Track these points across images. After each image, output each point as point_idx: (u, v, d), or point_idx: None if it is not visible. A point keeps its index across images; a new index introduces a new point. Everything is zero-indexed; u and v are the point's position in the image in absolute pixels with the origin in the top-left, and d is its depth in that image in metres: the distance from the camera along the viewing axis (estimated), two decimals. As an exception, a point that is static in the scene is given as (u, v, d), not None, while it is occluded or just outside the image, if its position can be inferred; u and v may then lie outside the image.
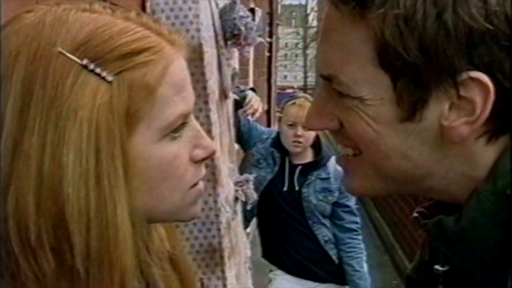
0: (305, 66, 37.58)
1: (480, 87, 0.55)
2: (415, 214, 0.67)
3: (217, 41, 1.93)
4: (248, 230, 4.15)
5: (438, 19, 0.54)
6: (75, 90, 0.53)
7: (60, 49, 0.54)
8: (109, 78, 0.55)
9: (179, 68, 0.61)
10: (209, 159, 0.67)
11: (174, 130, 0.61)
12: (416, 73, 0.56)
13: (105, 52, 0.55)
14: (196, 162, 0.64)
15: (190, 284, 0.74)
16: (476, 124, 0.57)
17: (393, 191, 0.67)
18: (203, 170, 0.66)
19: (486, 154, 0.59)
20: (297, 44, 41.95)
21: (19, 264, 0.52)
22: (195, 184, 0.65)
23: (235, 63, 2.28)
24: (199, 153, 0.64)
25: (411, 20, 0.54)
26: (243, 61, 5.17)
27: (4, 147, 0.52)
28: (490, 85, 0.55)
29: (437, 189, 0.63)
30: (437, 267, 0.67)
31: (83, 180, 0.53)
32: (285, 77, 42.18)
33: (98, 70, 0.54)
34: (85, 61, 0.54)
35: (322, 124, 0.64)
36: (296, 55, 43.08)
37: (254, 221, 2.91)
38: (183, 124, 0.62)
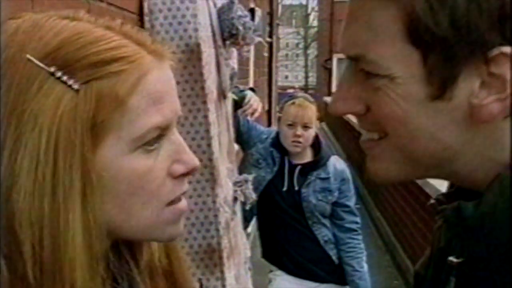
0: (306, 66, 37.59)
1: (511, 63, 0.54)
2: (432, 201, 0.66)
3: (215, 41, 1.93)
4: (249, 230, 4.15)
5: None
6: (39, 96, 0.53)
7: (28, 56, 0.53)
8: (76, 86, 0.54)
9: (158, 79, 0.59)
10: (189, 175, 0.63)
11: (148, 142, 0.58)
12: (447, 48, 0.55)
13: (75, 60, 0.54)
14: (176, 177, 0.61)
15: None
16: (506, 101, 0.56)
17: (418, 176, 0.65)
18: (185, 186, 0.63)
19: None
20: (298, 44, 41.94)
21: None
22: (173, 202, 0.62)
23: (234, 63, 2.27)
24: (179, 168, 0.61)
25: None
26: (243, 61, 5.17)
27: None
28: None
29: (462, 174, 0.62)
30: (451, 258, 0.65)
31: (37, 188, 0.52)
32: (286, 77, 42.20)
33: (64, 78, 0.54)
34: (52, 69, 0.53)
35: (348, 108, 0.64)
36: (297, 55, 43.08)
37: (255, 221, 2.91)
38: (160, 137, 0.60)
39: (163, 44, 0.62)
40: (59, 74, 0.53)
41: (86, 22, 0.58)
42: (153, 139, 0.59)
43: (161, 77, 0.60)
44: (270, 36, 9.52)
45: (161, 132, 0.60)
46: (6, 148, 0.51)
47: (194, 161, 0.63)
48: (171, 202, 0.62)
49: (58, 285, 0.53)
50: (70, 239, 0.53)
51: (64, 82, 0.54)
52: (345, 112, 0.64)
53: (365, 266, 2.66)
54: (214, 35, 1.92)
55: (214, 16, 1.93)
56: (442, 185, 3.91)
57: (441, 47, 0.56)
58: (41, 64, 0.53)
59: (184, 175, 0.62)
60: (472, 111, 0.57)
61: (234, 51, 2.21)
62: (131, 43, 0.58)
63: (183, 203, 0.63)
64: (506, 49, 0.54)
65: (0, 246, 0.52)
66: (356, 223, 2.68)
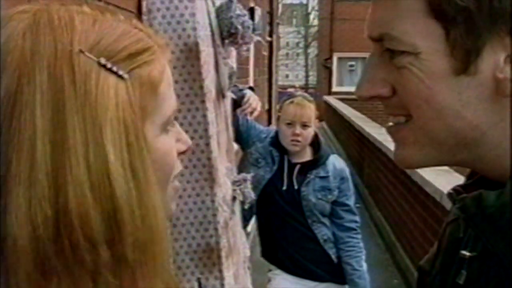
0: (306, 65, 37.57)
1: None
2: (450, 191, 0.66)
3: (214, 40, 1.93)
4: (249, 230, 4.15)
5: None
6: (100, 88, 0.55)
7: (80, 47, 0.55)
8: (125, 76, 0.57)
9: (168, 68, 0.65)
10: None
11: (170, 124, 0.64)
12: (469, 20, 0.55)
13: (117, 51, 0.57)
14: (177, 155, 0.67)
15: None
16: None
17: (445, 161, 0.64)
18: (180, 166, 0.68)
19: None
20: (298, 43, 41.92)
21: (77, 260, 0.53)
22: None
23: (233, 62, 2.27)
24: (181, 147, 0.67)
25: None
26: (243, 60, 5.17)
27: (41, 145, 0.52)
28: None
29: (488, 159, 0.61)
30: (464, 252, 0.65)
31: (123, 172, 0.55)
32: (287, 76, 42.17)
33: (114, 69, 0.56)
34: (102, 60, 0.55)
35: (375, 90, 0.64)
36: (298, 54, 43.06)
37: (255, 221, 2.91)
38: (173, 119, 0.65)
39: (160, 37, 0.66)
40: (109, 65, 0.56)
41: (99, 15, 0.60)
42: (171, 122, 0.65)
43: (168, 65, 0.65)
44: (270, 35, 9.52)
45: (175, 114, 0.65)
46: (90, 137, 0.54)
47: (189, 139, 0.69)
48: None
49: (150, 261, 0.57)
50: (158, 214, 0.58)
51: (115, 73, 0.56)
52: (371, 95, 0.64)
53: (364, 265, 2.66)
54: (212, 34, 1.92)
55: (213, 15, 1.92)
56: (442, 184, 3.90)
57: (463, 19, 0.55)
58: (92, 56, 0.55)
59: (182, 153, 0.67)
60: (498, 86, 0.57)
61: (233, 50, 2.21)
62: (144, 35, 0.62)
63: (177, 182, 0.69)
64: None
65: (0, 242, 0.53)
66: (356, 222, 2.68)
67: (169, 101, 0.63)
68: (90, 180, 0.53)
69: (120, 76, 0.56)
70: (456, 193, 0.65)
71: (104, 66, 0.55)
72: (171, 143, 0.65)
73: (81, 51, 0.55)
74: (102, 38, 0.57)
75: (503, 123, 0.59)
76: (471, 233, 0.65)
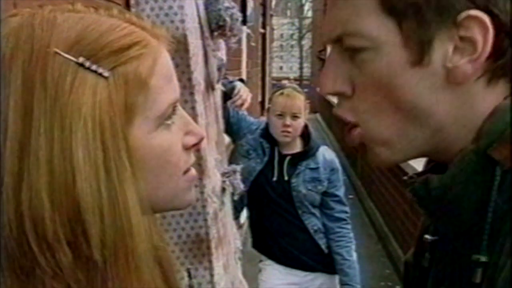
0: (301, 57, 37.51)
1: (479, 25, 0.57)
2: (405, 178, 0.68)
3: (202, 32, 1.93)
4: (242, 221, 4.17)
5: None
6: (75, 88, 0.55)
7: (55, 49, 0.55)
8: (106, 74, 0.57)
9: (166, 59, 0.64)
10: (195, 150, 0.69)
11: (167, 118, 0.63)
12: (418, 14, 0.58)
13: (98, 49, 0.57)
14: (187, 148, 0.67)
15: (172, 279, 0.75)
16: (478, 62, 0.59)
17: (413, 154, 0.66)
18: (193, 157, 0.68)
19: (486, 102, 0.60)
20: (292, 35, 41.83)
21: (37, 261, 0.53)
22: (187, 170, 0.67)
23: (222, 54, 2.27)
24: (190, 140, 0.67)
25: None
26: (236, 52, 5.16)
27: (10, 148, 0.53)
28: (488, 21, 0.57)
29: (443, 146, 0.63)
30: (426, 236, 0.68)
31: (93, 173, 0.55)
32: (281, 68, 42.08)
33: (94, 67, 0.56)
34: (81, 59, 0.56)
35: (337, 87, 0.65)
36: (292, 46, 42.96)
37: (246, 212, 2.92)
38: (174, 112, 0.65)
39: (160, 28, 0.66)
40: (88, 63, 0.56)
41: (90, 13, 0.61)
42: (170, 115, 0.63)
43: (166, 58, 0.64)
44: (264, 26, 9.50)
45: (173, 108, 0.64)
46: (56, 138, 0.54)
47: (201, 131, 0.68)
48: (185, 171, 0.67)
49: (122, 262, 0.57)
50: (131, 215, 0.57)
51: (94, 71, 0.56)
52: (333, 91, 0.66)
53: (354, 255, 2.69)
54: (201, 26, 1.92)
55: (201, 7, 1.93)
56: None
57: (413, 13, 0.58)
58: (69, 56, 0.55)
59: (195, 145, 0.67)
60: (448, 75, 0.60)
61: (222, 42, 2.21)
62: (136, 28, 0.62)
63: (193, 171, 0.69)
64: (474, 12, 0.57)
65: (6, 245, 0.54)
66: (345, 212, 2.70)
67: (165, 94, 0.62)
68: (50, 183, 0.53)
69: (100, 74, 0.56)
70: (410, 180, 0.67)
71: (82, 65, 0.56)
72: (171, 138, 0.64)
73: (56, 52, 0.55)
74: (84, 36, 0.57)
75: (455, 111, 0.61)
76: (427, 215, 0.67)
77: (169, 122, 0.63)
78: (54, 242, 0.54)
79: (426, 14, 0.58)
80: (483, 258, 0.58)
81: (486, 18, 0.57)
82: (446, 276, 0.65)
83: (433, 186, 0.61)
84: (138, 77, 0.59)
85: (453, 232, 0.63)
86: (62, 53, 0.55)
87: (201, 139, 0.67)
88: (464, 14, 0.57)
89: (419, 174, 0.68)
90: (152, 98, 0.60)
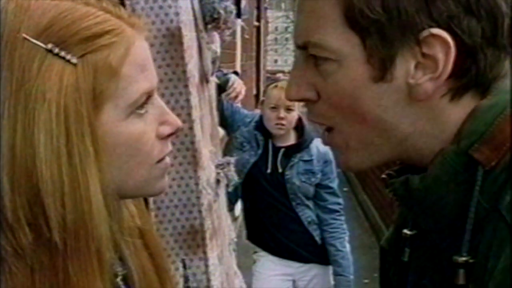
0: (295, 50, 37.34)
1: (441, 44, 0.58)
2: (383, 176, 0.69)
3: (196, 25, 1.94)
4: (237, 214, 4.18)
5: None
6: (42, 73, 0.56)
7: (24, 35, 0.56)
8: (74, 60, 0.57)
9: (141, 49, 0.64)
10: (174, 135, 0.70)
11: (139, 107, 0.63)
12: (381, 31, 0.59)
13: (68, 36, 0.58)
14: (163, 138, 0.67)
15: (160, 260, 0.77)
16: (439, 80, 0.60)
17: (382, 159, 0.67)
18: (170, 146, 0.69)
19: (452, 115, 0.62)
20: (287, 28, 41.73)
21: (6, 239, 0.55)
22: (161, 159, 0.68)
23: (217, 47, 2.28)
24: (165, 129, 0.67)
25: None
26: (230, 45, 5.16)
27: None
28: (450, 40, 0.58)
29: (412, 154, 0.65)
30: (405, 231, 0.69)
31: (55, 157, 0.56)
32: (276, 61, 41.99)
33: (62, 54, 0.57)
34: (49, 46, 0.56)
35: (302, 93, 0.66)
36: (286, 39, 42.85)
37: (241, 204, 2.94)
38: (148, 101, 0.65)
39: (138, 17, 0.67)
40: (56, 50, 0.56)
41: (65, 0, 0.61)
42: (142, 104, 0.64)
43: (142, 47, 0.65)
44: (258, 20, 9.48)
45: (147, 97, 0.64)
46: (19, 122, 0.55)
47: (178, 121, 0.68)
48: (159, 160, 0.67)
49: (83, 245, 0.58)
50: (92, 200, 0.58)
51: (63, 58, 0.57)
52: (298, 98, 0.67)
53: (348, 246, 2.72)
54: (195, 19, 1.93)
55: (196, 0, 1.93)
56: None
57: (376, 30, 0.59)
58: (38, 42, 0.56)
59: (170, 135, 0.68)
60: (410, 91, 0.61)
61: (216, 35, 2.22)
62: (112, 17, 0.62)
63: (167, 160, 0.70)
64: (436, 30, 0.58)
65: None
66: (339, 204, 2.73)
67: (138, 83, 0.62)
68: (11, 166, 0.54)
69: (69, 61, 0.57)
70: (389, 177, 0.68)
71: (51, 51, 0.56)
72: (143, 127, 0.64)
73: (25, 38, 0.56)
74: (55, 23, 0.57)
75: (420, 122, 0.62)
76: (407, 212, 0.69)
77: (141, 111, 0.64)
78: (14, 224, 0.55)
79: (389, 31, 0.59)
80: (464, 259, 0.58)
81: (448, 37, 0.58)
82: (427, 271, 0.66)
83: (414, 187, 0.62)
84: (108, 65, 0.59)
85: (435, 231, 0.64)
86: (31, 39, 0.56)
87: (177, 130, 0.68)
88: (426, 32, 0.58)
89: (397, 172, 0.69)
90: (122, 86, 0.61)
